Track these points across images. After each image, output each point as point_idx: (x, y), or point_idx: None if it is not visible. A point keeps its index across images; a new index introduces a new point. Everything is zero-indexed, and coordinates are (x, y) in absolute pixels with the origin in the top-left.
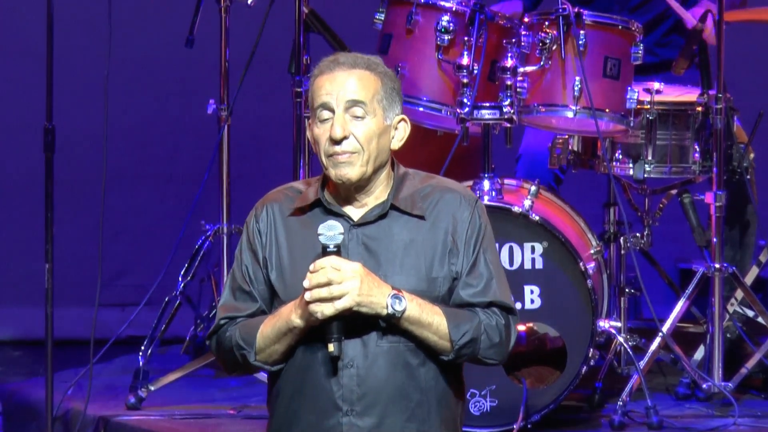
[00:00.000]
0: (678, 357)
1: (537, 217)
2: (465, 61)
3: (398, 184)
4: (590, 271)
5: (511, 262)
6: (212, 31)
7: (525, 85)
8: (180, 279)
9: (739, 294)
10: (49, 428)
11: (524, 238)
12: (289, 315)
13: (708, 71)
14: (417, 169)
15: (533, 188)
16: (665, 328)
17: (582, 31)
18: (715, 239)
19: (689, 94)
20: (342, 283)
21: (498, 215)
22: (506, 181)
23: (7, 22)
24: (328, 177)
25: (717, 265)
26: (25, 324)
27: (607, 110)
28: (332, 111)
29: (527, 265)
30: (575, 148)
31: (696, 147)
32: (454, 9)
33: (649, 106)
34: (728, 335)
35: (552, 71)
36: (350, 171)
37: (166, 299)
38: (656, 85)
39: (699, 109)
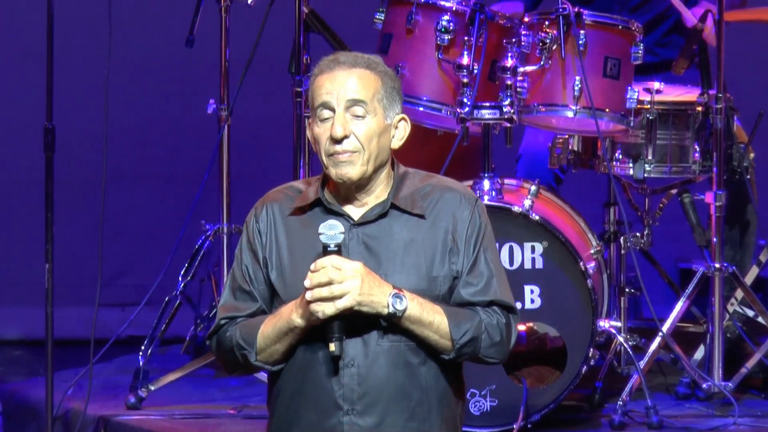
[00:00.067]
0: (678, 357)
1: (537, 217)
2: (465, 60)
3: (398, 183)
4: (590, 271)
5: (511, 262)
6: (212, 31)
7: (525, 84)
8: (180, 279)
9: (739, 294)
10: (49, 428)
11: (524, 237)
12: (290, 314)
13: (708, 71)
14: (417, 168)
15: (533, 188)
16: (665, 327)
17: (582, 31)
18: (715, 239)
19: (689, 94)
20: (343, 282)
21: (498, 215)
22: (506, 180)
23: (7, 22)
24: (329, 176)
25: (717, 265)
26: (25, 324)
27: (607, 110)
28: (333, 110)
29: (527, 265)
30: (575, 148)
31: (696, 147)
32: (454, 9)
33: (649, 106)
34: (728, 335)
35: (552, 71)
36: (351, 170)
37: (166, 299)
38: (656, 85)
39: (699, 108)
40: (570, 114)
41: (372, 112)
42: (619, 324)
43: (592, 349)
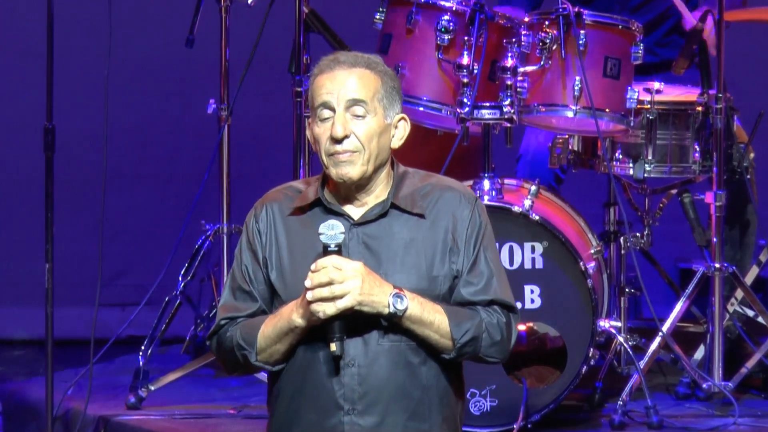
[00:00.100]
0: (678, 357)
1: (537, 217)
2: (465, 60)
3: (398, 183)
4: (590, 271)
5: (511, 262)
6: (212, 31)
7: (525, 84)
8: (180, 279)
9: (740, 294)
10: (49, 428)
11: (524, 237)
12: (291, 315)
13: (708, 71)
14: (417, 168)
15: (533, 188)
16: (665, 327)
17: (582, 31)
18: (715, 239)
19: (689, 94)
20: (344, 282)
21: (498, 215)
22: (506, 180)
23: (7, 22)
24: (329, 176)
25: (717, 265)
26: (25, 324)
27: (607, 110)
28: (333, 110)
29: (527, 265)
30: (575, 148)
31: (696, 147)
32: (454, 9)
33: (649, 106)
34: (728, 335)
35: (552, 71)
36: (351, 170)
37: (166, 299)
38: (656, 85)
39: (699, 108)
40: (570, 114)
41: (372, 111)
42: (619, 324)
43: (592, 349)
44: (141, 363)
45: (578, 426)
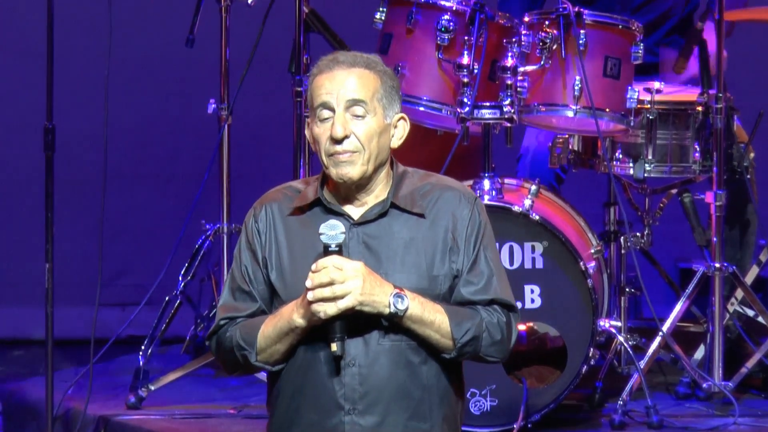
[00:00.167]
0: (678, 356)
1: (537, 217)
2: (465, 60)
3: (397, 183)
4: (590, 271)
5: (512, 262)
6: (212, 31)
7: (525, 84)
8: (180, 279)
9: (740, 293)
10: (49, 428)
11: (524, 237)
12: (291, 315)
13: (708, 71)
14: (417, 168)
15: (533, 188)
16: (665, 327)
17: (582, 31)
18: (715, 239)
19: (689, 94)
20: (344, 282)
21: (498, 215)
22: (506, 180)
23: (7, 22)
24: (328, 176)
25: (717, 265)
26: (25, 324)
27: (607, 110)
28: (332, 110)
29: (527, 265)
30: (575, 148)
31: (696, 146)
32: (454, 8)
33: (649, 106)
34: (728, 335)
35: (552, 71)
36: (351, 170)
37: (167, 299)
38: (656, 85)
39: (699, 108)
40: (570, 114)
41: (372, 111)
42: (619, 324)
43: (592, 349)
44: (141, 363)
45: (578, 426)
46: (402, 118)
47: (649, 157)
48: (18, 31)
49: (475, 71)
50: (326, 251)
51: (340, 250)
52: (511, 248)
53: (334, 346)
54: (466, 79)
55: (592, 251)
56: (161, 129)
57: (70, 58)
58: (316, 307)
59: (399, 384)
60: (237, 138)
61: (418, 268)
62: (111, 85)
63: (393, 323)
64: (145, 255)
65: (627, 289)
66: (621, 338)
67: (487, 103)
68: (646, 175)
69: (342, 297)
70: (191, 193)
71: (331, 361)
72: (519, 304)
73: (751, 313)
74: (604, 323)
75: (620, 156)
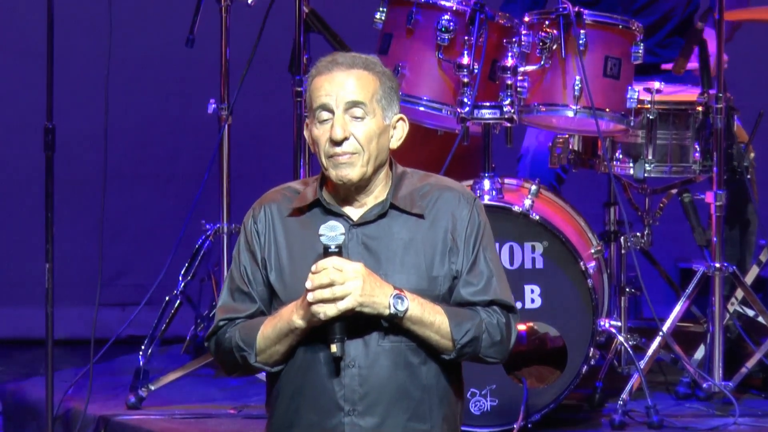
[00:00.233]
0: (678, 356)
1: (537, 217)
2: (465, 60)
3: (397, 183)
4: (590, 271)
5: (512, 262)
6: (212, 31)
7: (525, 84)
8: (180, 279)
9: (740, 293)
10: (49, 428)
11: (524, 237)
12: (291, 316)
13: (708, 71)
14: (417, 168)
15: (533, 188)
16: (665, 327)
17: (582, 31)
18: (715, 239)
19: (689, 94)
20: (344, 283)
21: (498, 215)
22: (506, 180)
23: (7, 22)
24: (328, 177)
25: (717, 265)
26: (25, 324)
27: (607, 110)
28: (332, 112)
29: (527, 265)
30: (576, 148)
31: (696, 146)
32: (454, 8)
33: (649, 106)
34: (728, 335)
35: (552, 71)
36: (351, 172)
37: (167, 299)
38: (656, 85)
39: (699, 108)
40: (570, 114)
41: (371, 113)
42: (619, 324)
43: (592, 349)
44: (141, 363)
45: (578, 426)
46: (401, 118)
47: (649, 157)
48: (18, 31)
49: (475, 71)
50: (326, 252)
51: (339, 251)
52: (511, 248)
53: (333, 347)
54: (466, 79)
55: (592, 251)
56: (161, 129)
57: (70, 58)
58: (315, 308)
59: (399, 385)
60: (237, 138)
61: (418, 269)
62: (111, 85)
63: (393, 324)
64: (145, 255)
65: (627, 289)
66: (621, 338)
67: (487, 103)
68: (646, 175)
69: (342, 298)
70: (191, 193)
71: (330, 362)
72: (519, 305)
73: (751, 313)
74: (604, 323)
75: (620, 156)
